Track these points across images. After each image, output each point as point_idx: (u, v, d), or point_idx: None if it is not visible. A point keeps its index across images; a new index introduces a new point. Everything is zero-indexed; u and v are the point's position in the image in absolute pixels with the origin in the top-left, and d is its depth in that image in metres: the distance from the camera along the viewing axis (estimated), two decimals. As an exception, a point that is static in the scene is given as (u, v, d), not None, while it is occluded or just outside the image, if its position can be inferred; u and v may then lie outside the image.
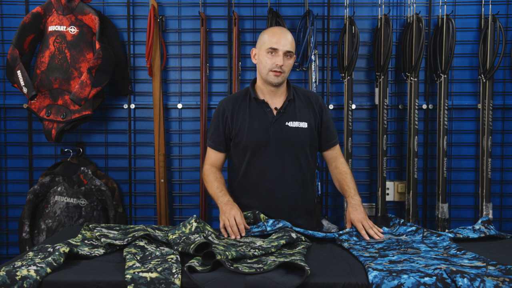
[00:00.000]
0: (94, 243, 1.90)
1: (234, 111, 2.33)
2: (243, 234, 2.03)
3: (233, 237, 2.02)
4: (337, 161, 2.41)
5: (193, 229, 1.96)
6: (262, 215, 2.17)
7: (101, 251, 1.81)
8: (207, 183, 2.33)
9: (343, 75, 3.13)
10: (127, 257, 1.68)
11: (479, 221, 2.17)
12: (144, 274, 1.52)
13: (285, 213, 2.29)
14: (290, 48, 2.25)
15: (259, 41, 2.31)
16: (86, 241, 1.90)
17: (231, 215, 2.09)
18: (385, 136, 3.11)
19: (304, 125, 2.31)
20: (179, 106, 3.25)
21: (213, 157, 2.39)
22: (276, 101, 2.33)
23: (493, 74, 3.08)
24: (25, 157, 3.29)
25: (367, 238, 2.04)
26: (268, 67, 2.24)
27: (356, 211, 2.16)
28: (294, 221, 2.27)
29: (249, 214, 2.19)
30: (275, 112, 2.31)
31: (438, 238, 1.99)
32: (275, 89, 2.31)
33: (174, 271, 1.56)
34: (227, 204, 2.16)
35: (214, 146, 2.38)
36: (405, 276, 1.50)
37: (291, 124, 2.30)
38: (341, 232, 2.07)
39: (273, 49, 2.23)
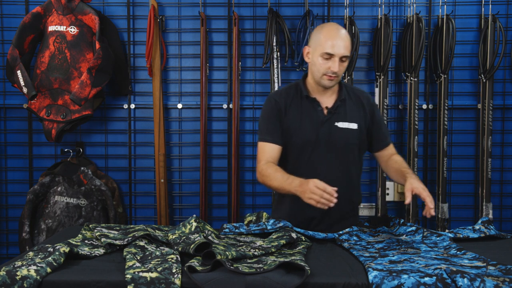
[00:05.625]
0: (94, 243, 1.90)
1: (287, 106, 2.23)
2: (335, 195, 1.89)
3: (331, 204, 1.90)
4: (391, 156, 2.29)
5: (193, 229, 1.96)
6: (264, 214, 2.17)
7: (101, 251, 1.81)
8: (268, 177, 2.14)
9: (343, 75, 3.13)
10: (127, 257, 1.68)
11: (479, 221, 2.17)
12: (144, 274, 1.52)
13: (330, 216, 2.21)
14: (345, 52, 2.12)
15: (314, 40, 2.19)
16: (86, 241, 1.90)
17: (311, 188, 1.92)
18: (385, 136, 3.11)
19: (354, 126, 2.22)
20: (179, 106, 3.25)
21: (270, 152, 2.20)
22: (327, 100, 2.24)
23: (493, 74, 3.08)
24: (25, 157, 3.29)
25: (430, 205, 1.91)
26: (321, 71, 2.14)
27: (418, 181, 2.01)
28: (340, 223, 2.20)
29: (254, 217, 2.21)
30: (325, 111, 2.22)
31: (438, 238, 1.99)
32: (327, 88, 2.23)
33: (174, 271, 1.56)
34: (301, 185, 1.99)
35: (272, 139, 2.21)
36: (405, 276, 1.50)
37: (340, 124, 2.21)
38: (341, 232, 2.07)
39: (328, 54, 2.11)
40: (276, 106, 2.23)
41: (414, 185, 1.97)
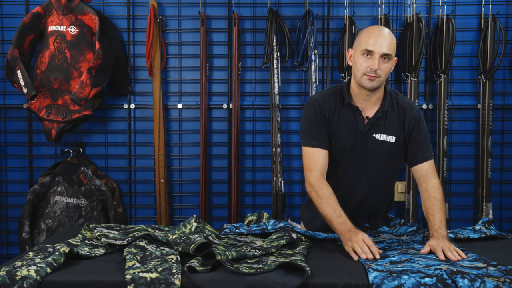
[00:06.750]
0: (94, 243, 1.90)
1: (330, 112, 2.13)
2: (377, 257, 1.77)
3: (370, 257, 1.77)
4: (428, 182, 2.08)
5: (193, 229, 1.96)
6: (265, 214, 2.17)
7: (101, 251, 1.81)
8: (321, 199, 2.03)
9: (343, 75, 3.13)
10: (127, 257, 1.68)
11: (480, 222, 2.17)
12: (144, 274, 1.52)
13: (359, 224, 2.18)
14: (387, 50, 2.01)
15: (356, 41, 2.10)
16: (86, 241, 1.90)
17: (359, 239, 1.83)
18: (385, 136, 3.11)
19: (391, 139, 2.12)
20: (179, 106, 3.25)
21: (321, 158, 2.09)
22: (369, 109, 2.13)
23: (493, 74, 3.08)
24: (25, 157, 3.29)
25: (443, 257, 1.77)
26: (362, 70, 2.03)
27: (438, 240, 1.87)
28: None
29: (255, 217, 2.21)
30: (366, 121, 2.12)
31: (438, 238, 1.98)
32: (370, 94, 2.09)
33: (174, 271, 1.56)
34: (351, 231, 1.89)
35: (319, 144, 2.10)
36: (405, 276, 1.50)
37: (378, 136, 2.11)
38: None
39: (368, 51, 2.01)
40: (321, 111, 2.14)
41: (431, 243, 1.87)
